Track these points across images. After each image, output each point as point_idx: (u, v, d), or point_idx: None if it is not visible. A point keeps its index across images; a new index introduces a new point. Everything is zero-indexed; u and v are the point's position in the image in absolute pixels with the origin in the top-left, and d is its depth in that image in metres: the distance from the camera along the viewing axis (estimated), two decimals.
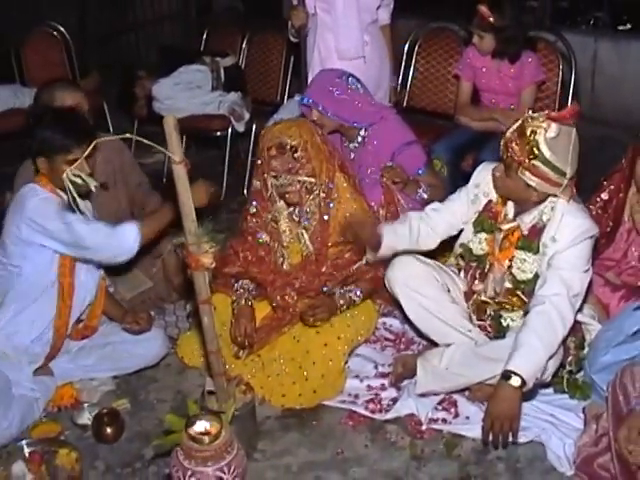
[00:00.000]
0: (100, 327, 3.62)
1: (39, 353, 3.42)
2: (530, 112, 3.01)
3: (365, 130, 4.03)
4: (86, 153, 2.52)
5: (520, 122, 2.97)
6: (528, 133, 2.91)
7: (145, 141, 2.56)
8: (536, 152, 2.90)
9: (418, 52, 5.43)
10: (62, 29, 6.60)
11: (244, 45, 6.03)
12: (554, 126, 2.90)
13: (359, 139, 4.07)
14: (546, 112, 2.98)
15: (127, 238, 3.25)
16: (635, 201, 3.62)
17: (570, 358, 3.31)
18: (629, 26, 7.43)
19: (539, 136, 2.90)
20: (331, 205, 3.49)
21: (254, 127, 5.51)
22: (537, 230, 3.14)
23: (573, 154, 2.97)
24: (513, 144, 2.95)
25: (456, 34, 5.39)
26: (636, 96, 6.22)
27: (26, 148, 3.33)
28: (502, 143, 3.03)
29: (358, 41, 4.54)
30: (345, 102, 3.93)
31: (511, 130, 3.00)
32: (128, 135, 2.60)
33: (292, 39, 4.80)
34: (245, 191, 5.42)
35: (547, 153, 2.90)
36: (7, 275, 3.33)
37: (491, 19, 4.37)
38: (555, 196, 3.06)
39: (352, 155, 4.12)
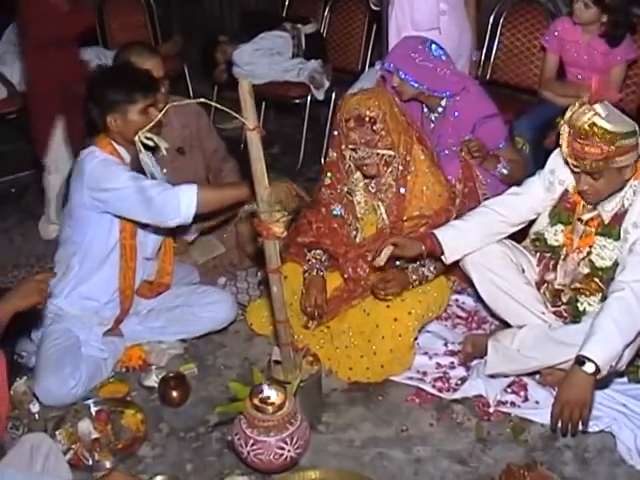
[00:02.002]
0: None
1: (109, 316, 3.47)
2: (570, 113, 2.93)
3: (446, 100, 3.94)
4: (161, 114, 2.51)
5: (567, 134, 2.92)
6: (589, 128, 2.83)
7: (219, 106, 2.54)
8: (611, 136, 2.82)
9: (503, 25, 5.28)
10: None
11: (326, 12, 5.95)
12: (598, 107, 2.85)
13: (440, 109, 3.98)
14: (577, 104, 2.90)
15: (181, 200, 3.18)
16: None
17: None
18: None
19: (600, 122, 2.82)
20: (408, 178, 3.43)
21: (334, 95, 5.45)
22: (619, 216, 3.04)
23: (620, 112, 2.92)
24: (586, 150, 2.86)
25: (543, 7, 5.21)
26: None
27: (87, 112, 3.30)
28: (569, 161, 2.96)
29: (433, 11, 4.45)
30: (427, 69, 3.85)
31: (565, 146, 2.94)
32: (203, 100, 2.58)
33: (373, 7, 4.72)
34: (323, 160, 5.37)
35: (617, 128, 2.83)
36: (73, 238, 3.36)
37: None
38: (637, 168, 2.97)
39: (432, 125, 4.04)
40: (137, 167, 3.25)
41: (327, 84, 5.54)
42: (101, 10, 6.48)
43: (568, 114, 2.92)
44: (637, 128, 2.89)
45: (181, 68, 6.31)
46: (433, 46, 3.91)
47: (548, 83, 4.66)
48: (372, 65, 5.43)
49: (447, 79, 3.88)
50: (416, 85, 3.86)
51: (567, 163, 3.02)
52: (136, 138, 2.58)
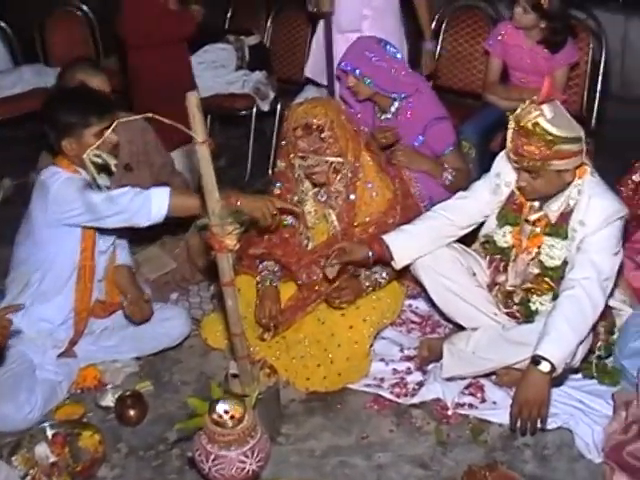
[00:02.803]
0: None
1: (63, 338, 3.43)
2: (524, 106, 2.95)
3: (399, 101, 3.96)
4: (109, 132, 2.49)
5: (512, 128, 2.94)
6: (531, 127, 2.86)
7: (166, 120, 2.52)
8: (551, 138, 2.84)
9: (445, 30, 5.34)
10: (85, 8, 6.56)
11: (269, 23, 5.95)
12: (546, 107, 2.87)
13: (392, 110, 4.00)
14: (527, 102, 2.92)
15: (153, 203, 3.15)
16: None
17: (600, 343, 3.26)
18: None
19: (542, 123, 2.85)
20: (358, 184, 3.44)
21: (279, 106, 5.46)
22: (565, 215, 3.08)
23: (571, 118, 2.95)
24: (525, 148, 2.90)
25: (484, 11, 5.29)
26: None
27: (45, 134, 3.24)
28: (510, 156, 3.01)
29: (354, 14, 4.50)
30: (382, 69, 3.87)
31: (509, 141, 2.97)
32: (150, 115, 2.55)
33: (310, 9, 4.75)
34: (270, 171, 5.37)
35: (559, 132, 2.85)
36: (32, 258, 3.31)
37: (545, 1, 4.27)
38: (580, 168, 3.01)
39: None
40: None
41: (272, 95, 5.55)
42: (41, 26, 6.43)
43: (518, 110, 2.95)
44: (582, 134, 2.92)
45: (124, 83, 6.24)
46: (388, 46, 3.93)
47: (492, 87, 4.70)
48: (307, 79, 5.44)
49: (402, 80, 3.91)
50: (372, 84, 3.88)
51: (510, 158, 3.05)
52: (84, 156, 2.55)
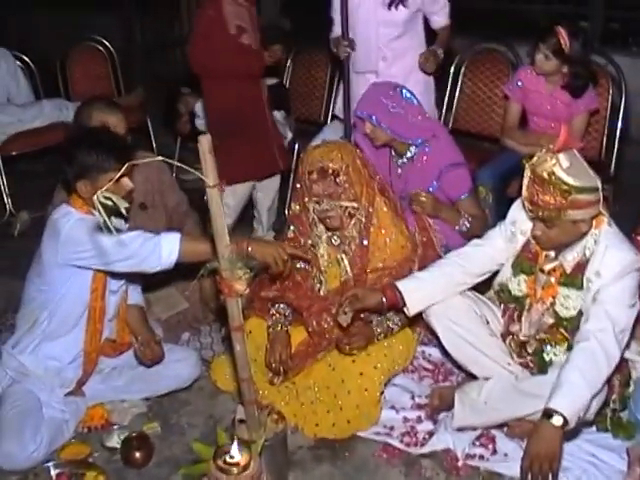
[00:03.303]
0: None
1: (71, 378, 3.40)
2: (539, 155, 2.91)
3: (416, 147, 3.94)
4: (117, 176, 2.47)
5: (527, 177, 2.91)
6: (547, 177, 2.82)
7: (178, 164, 2.52)
8: (567, 187, 2.80)
9: (464, 73, 5.34)
10: (107, 43, 6.63)
11: (288, 63, 5.96)
12: (562, 156, 2.84)
13: (408, 155, 3.97)
14: (544, 150, 2.89)
15: (163, 249, 3.11)
16: None
17: (614, 396, 3.21)
18: None
19: (558, 172, 2.81)
20: (371, 230, 3.42)
21: (297, 146, 5.44)
22: (581, 265, 3.04)
23: (588, 167, 2.90)
24: (539, 197, 2.86)
25: (504, 56, 5.28)
26: None
27: (62, 173, 3.26)
28: (525, 205, 2.97)
29: (371, 54, 4.49)
30: (399, 116, 3.84)
31: (524, 189, 2.93)
32: (160, 158, 2.55)
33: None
34: (287, 212, 5.35)
35: (575, 182, 2.81)
36: (42, 297, 3.29)
37: (566, 46, 4.24)
38: (597, 218, 2.97)
39: (399, 171, 4.03)
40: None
41: (290, 135, 5.56)
42: (63, 61, 6.49)
43: (534, 158, 2.92)
44: (599, 184, 2.88)
45: (144, 120, 6.28)
46: (404, 91, 3.91)
47: (510, 132, 4.67)
48: (335, 116, 5.44)
49: (419, 125, 3.88)
50: (389, 131, 3.86)
51: (525, 206, 3.02)
52: (94, 198, 2.54)
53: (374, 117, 3.83)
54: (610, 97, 4.73)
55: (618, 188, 4.53)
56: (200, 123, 5.59)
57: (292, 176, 5.33)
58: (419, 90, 4.29)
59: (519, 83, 4.60)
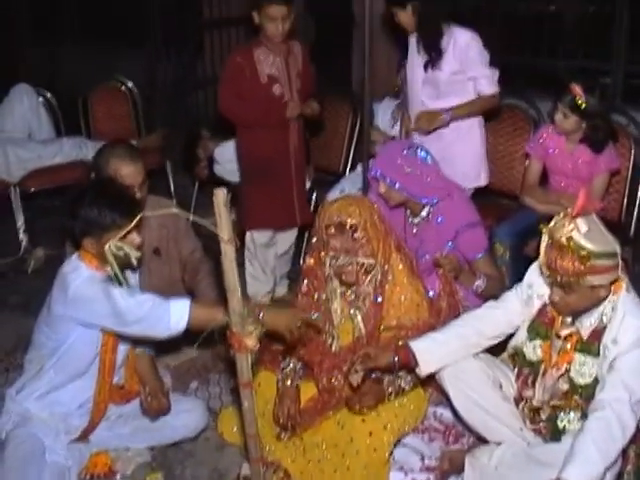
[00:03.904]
0: None
1: (77, 425, 3.36)
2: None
3: (431, 206, 3.91)
4: (129, 227, 2.46)
5: (545, 243, 2.88)
6: (565, 242, 2.79)
7: (191, 217, 2.51)
8: (586, 253, 2.76)
9: (485, 129, 5.29)
10: (130, 83, 6.66)
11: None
12: (580, 221, 2.80)
13: (423, 214, 3.94)
14: (561, 214, 2.86)
15: (172, 315, 3.05)
16: None
17: (629, 467, 3.12)
18: None
19: (577, 238, 2.78)
20: (386, 287, 3.39)
21: (314, 195, 5.41)
22: (597, 332, 2.99)
23: (607, 231, 2.87)
24: (557, 262, 2.82)
25: (525, 112, 5.26)
26: None
27: (68, 229, 3.23)
28: (542, 270, 2.93)
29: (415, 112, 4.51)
30: (414, 177, 3.81)
31: (542, 254, 2.90)
32: (175, 210, 2.54)
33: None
34: (302, 261, 5.32)
35: (594, 248, 2.77)
36: (51, 344, 3.25)
37: (583, 101, 4.22)
38: (615, 283, 2.92)
39: (414, 230, 3.99)
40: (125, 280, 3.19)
41: (308, 184, 5.52)
42: (85, 98, 6.51)
43: (552, 222, 2.89)
44: (617, 249, 2.84)
45: (163, 162, 6.28)
46: (419, 150, 3.89)
47: (530, 190, 4.63)
48: (354, 167, 5.43)
49: (434, 186, 3.85)
50: (404, 193, 3.83)
51: (542, 272, 2.98)
52: (106, 248, 2.53)
53: (389, 178, 3.80)
54: (632, 157, 4.68)
55: (637, 249, 4.47)
56: (219, 169, 5.56)
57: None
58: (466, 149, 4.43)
59: (540, 141, 4.57)
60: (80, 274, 3.11)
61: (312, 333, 3.45)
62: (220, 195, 2.41)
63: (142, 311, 3.04)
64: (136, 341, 3.33)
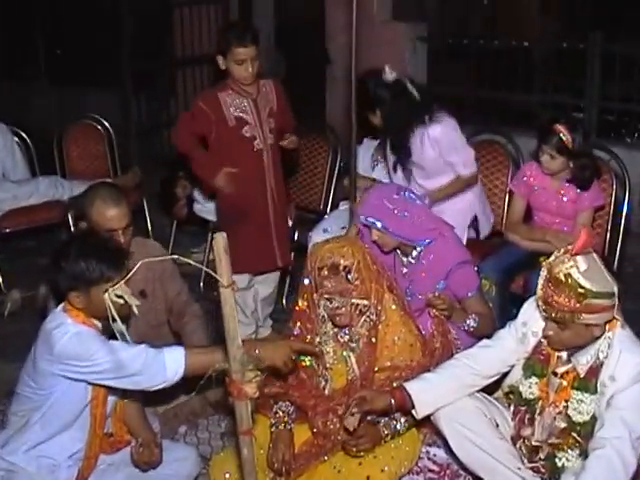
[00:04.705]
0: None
1: (65, 478, 3.25)
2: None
3: (421, 246, 3.90)
4: (129, 276, 2.42)
5: (544, 277, 2.89)
6: (563, 279, 2.81)
7: (193, 263, 2.48)
8: (583, 291, 2.79)
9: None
10: (105, 122, 6.60)
11: None
12: (580, 259, 2.82)
13: (414, 254, 3.93)
14: (562, 251, 2.89)
15: (168, 367, 2.99)
16: None
17: None
18: None
19: (575, 275, 2.80)
20: (380, 327, 3.36)
21: (296, 234, 5.38)
22: (594, 369, 2.99)
23: (606, 271, 2.88)
24: (554, 298, 2.84)
25: (504, 148, 5.28)
26: None
27: (52, 285, 3.15)
28: (539, 304, 2.95)
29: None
30: (405, 219, 3.79)
31: (539, 288, 2.91)
32: (175, 256, 2.52)
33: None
34: (284, 301, 5.31)
35: (592, 286, 2.80)
36: (36, 398, 3.15)
37: (569, 141, 4.25)
38: (610, 322, 2.94)
39: (405, 270, 3.97)
40: (109, 334, 3.11)
41: (290, 223, 5.49)
42: (60, 137, 6.45)
43: (551, 258, 2.91)
44: (615, 289, 2.86)
45: (140, 201, 6.22)
46: (407, 193, 3.88)
47: (515, 227, 4.64)
48: (335, 205, 5.42)
49: (424, 227, 3.84)
50: (397, 237, 3.82)
51: (539, 306, 2.98)
52: (105, 296, 2.48)
53: (380, 224, 3.78)
54: (614, 192, 4.71)
55: (621, 284, 4.50)
56: (198, 208, 5.52)
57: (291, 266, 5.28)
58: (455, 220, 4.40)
59: (524, 179, 4.59)
60: (66, 330, 3.00)
61: (304, 375, 3.42)
62: (220, 240, 2.39)
63: (138, 364, 2.98)
64: (126, 391, 3.24)
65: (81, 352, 2.96)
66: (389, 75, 4.46)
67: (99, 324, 3.09)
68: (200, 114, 4.46)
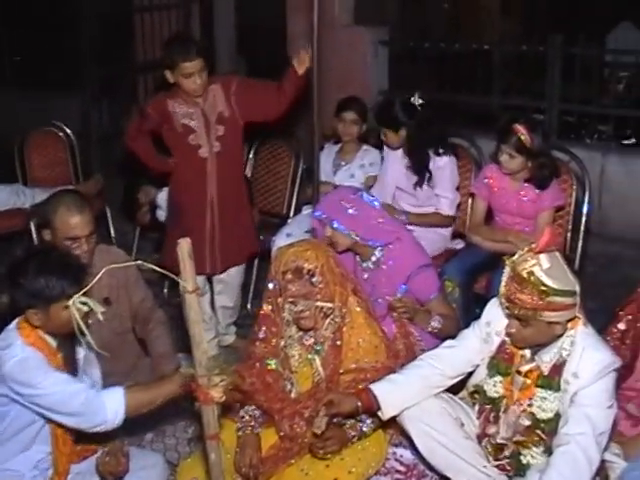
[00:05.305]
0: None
1: None
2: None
3: (380, 250, 3.92)
4: (92, 283, 2.41)
5: (507, 275, 2.93)
6: (526, 276, 2.85)
7: (158, 269, 2.48)
8: (545, 289, 2.83)
9: None
10: (66, 129, 6.54)
11: (251, 155, 5.88)
12: (543, 257, 2.87)
13: (373, 259, 3.95)
14: (526, 249, 2.94)
15: (108, 408, 2.94)
16: None
17: None
18: (633, 140, 7.48)
19: (538, 273, 2.84)
20: (344, 330, 3.38)
21: (260, 238, 5.37)
22: (558, 367, 3.03)
23: (568, 270, 2.94)
24: (517, 295, 2.88)
25: (467, 151, 5.31)
26: None
27: (7, 304, 3.06)
28: (502, 301, 2.99)
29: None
30: (359, 218, 3.82)
31: (503, 285, 2.95)
32: (140, 262, 2.51)
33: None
34: (249, 305, 5.31)
35: (554, 284, 2.84)
36: None
37: (528, 141, 4.29)
38: (572, 320, 2.97)
39: (365, 275, 3.99)
40: (66, 348, 3.08)
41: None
42: (21, 145, 6.36)
43: (516, 256, 2.94)
44: (577, 288, 2.90)
45: (102, 207, 6.18)
46: (365, 195, 3.92)
47: (477, 228, 4.68)
48: (299, 210, 5.44)
49: (380, 228, 3.86)
50: (350, 235, 3.83)
51: (502, 303, 3.02)
52: (70, 303, 2.47)
53: (334, 222, 3.81)
54: (574, 192, 4.77)
55: (582, 283, 4.55)
56: (161, 214, 5.48)
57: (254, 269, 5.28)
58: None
59: (485, 181, 4.62)
60: (14, 353, 2.92)
61: (270, 379, 3.42)
62: (184, 245, 2.40)
63: (79, 401, 2.91)
64: None
65: (24, 380, 2.88)
66: (417, 100, 4.70)
67: (53, 342, 3.03)
68: (149, 119, 4.52)
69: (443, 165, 4.73)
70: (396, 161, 4.87)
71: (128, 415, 2.97)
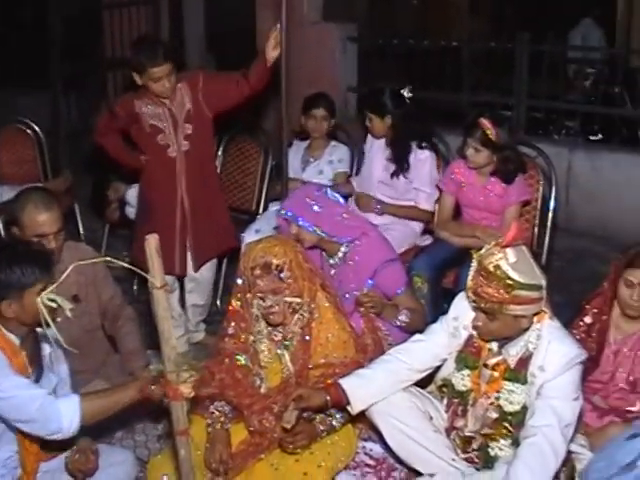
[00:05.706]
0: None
1: None
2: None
3: (346, 246, 3.94)
4: (61, 280, 2.40)
5: (474, 269, 2.97)
6: (493, 270, 2.88)
7: (126, 265, 2.48)
8: (511, 282, 2.87)
9: None
10: (35, 126, 6.48)
11: (220, 152, 5.86)
12: (510, 251, 2.90)
13: (340, 255, 3.97)
14: (493, 243, 2.98)
15: (63, 416, 2.91)
16: (620, 323, 3.57)
17: None
18: (600, 136, 7.57)
19: (504, 267, 2.88)
20: (313, 325, 3.39)
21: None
22: (524, 360, 3.07)
23: (535, 264, 2.98)
24: (483, 289, 2.92)
25: (435, 147, 5.32)
26: (610, 208, 6.28)
27: None
28: (469, 294, 3.02)
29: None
30: (324, 215, 3.85)
31: (470, 279, 2.99)
32: (109, 259, 2.50)
33: None
34: (218, 302, 5.31)
35: (520, 278, 2.88)
36: None
37: (493, 134, 4.33)
38: (538, 314, 3.02)
39: (332, 271, 4.01)
40: (30, 344, 3.06)
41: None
42: None
43: (483, 250, 2.97)
44: (543, 283, 2.94)
45: (71, 205, 6.14)
46: (329, 191, 3.95)
47: (444, 224, 4.70)
48: (267, 206, 5.46)
49: (346, 224, 3.89)
50: (315, 232, 3.85)
51: (468, 296, 3.05)
52: (38, 300, 2.46)
53: (300, 218, 3.84)
54: (541, 188, 4.82)
55: (549, 278, 4.60)
56: (130, 211, 5.47)
57: (224, 265, 5.28)
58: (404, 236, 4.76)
59: (452, 177, 4.65)
60: None
61: (239, 374, 3.43)
62: (152, 241, 2.40)
63: (34, 407, 2.89)
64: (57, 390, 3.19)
65: None
66: (407, 92, 4.84)
67: (16, 341, 3.00)
68: (118, 118, 4.56)
69: (424, 159, 4.80)
70: (379, 152, 4.94)
71: (84, 423, 2.95)
